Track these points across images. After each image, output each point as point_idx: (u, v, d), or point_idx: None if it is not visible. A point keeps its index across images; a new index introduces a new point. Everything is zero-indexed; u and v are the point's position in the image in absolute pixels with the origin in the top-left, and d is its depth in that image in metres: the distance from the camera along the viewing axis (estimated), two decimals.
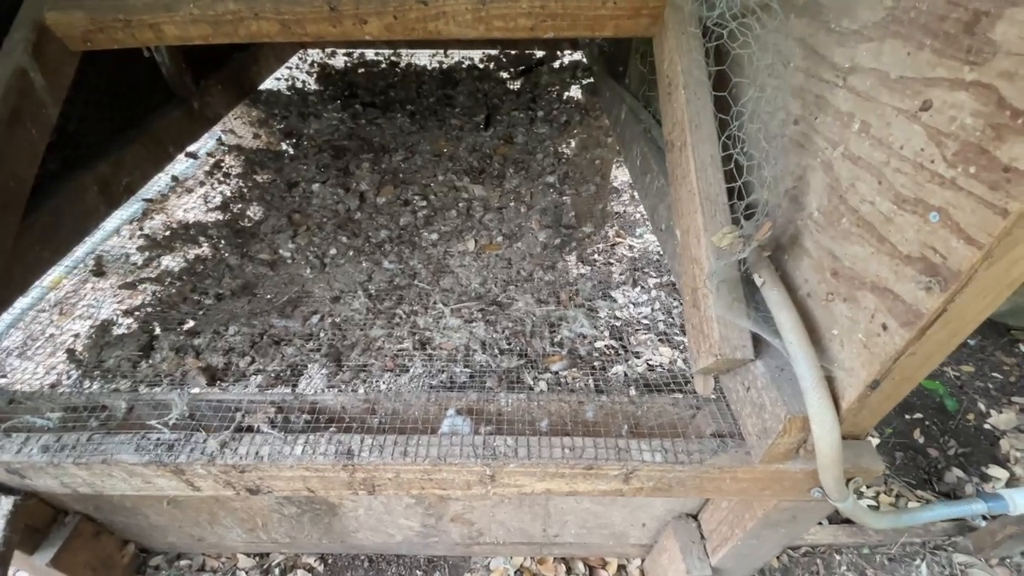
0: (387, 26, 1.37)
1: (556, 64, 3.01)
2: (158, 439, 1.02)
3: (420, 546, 1.76)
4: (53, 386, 1.37)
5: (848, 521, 1.97)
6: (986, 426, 2.36)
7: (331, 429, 1.05)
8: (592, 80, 2.70)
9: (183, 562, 1.86)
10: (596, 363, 1.95)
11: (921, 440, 2.32)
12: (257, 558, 1.85)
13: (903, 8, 0.76)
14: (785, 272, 1.01)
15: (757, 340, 0.99)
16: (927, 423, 2.37)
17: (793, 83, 1.01)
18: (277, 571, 1.82)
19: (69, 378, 1.34)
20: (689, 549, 1.45)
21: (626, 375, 2.12)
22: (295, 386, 1.25)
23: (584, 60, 3.04)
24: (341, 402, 1.11)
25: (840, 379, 0.86)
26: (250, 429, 1.05)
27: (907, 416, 2.39)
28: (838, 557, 1.85)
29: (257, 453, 1.00)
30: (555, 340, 1.38)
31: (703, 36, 1.28)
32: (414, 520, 1.61)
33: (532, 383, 1.34)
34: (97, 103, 1.75)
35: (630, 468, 0.99)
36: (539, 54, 3.14)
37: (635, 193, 3.35)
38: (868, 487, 2.10)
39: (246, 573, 1.83)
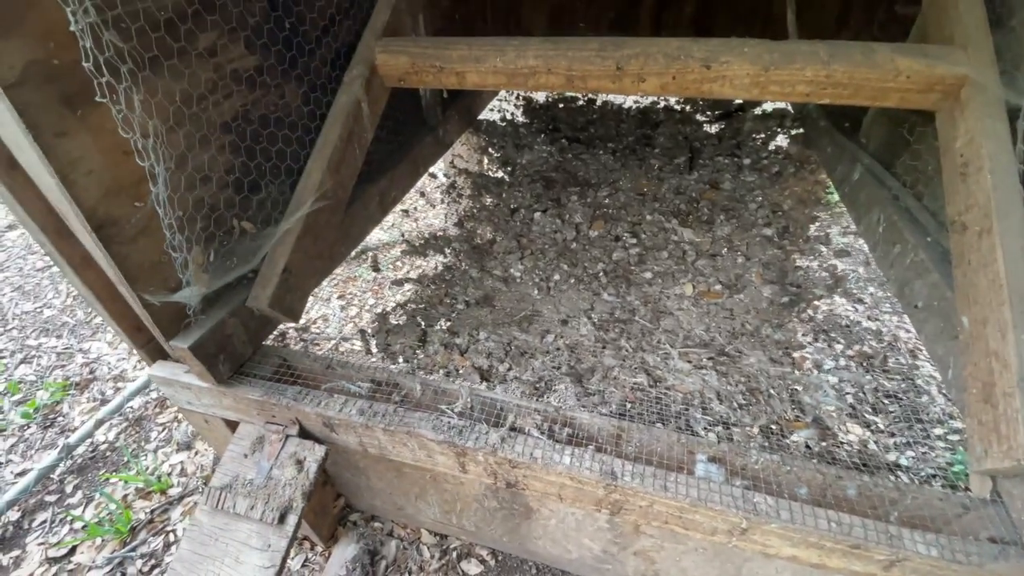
0: (663, 85, 1.49)
1: (759, 111, 2.97)
2: (450, 422, 1.21)
3: (591, 569, 1.83)
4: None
5: None
6: None
7: (591, 447, 1.17)
8: (804, 131, 2.63)
9: (376, 524, 2.13)
10: (774, 427, 1.88)
11: None
12: (439, 537, 2.05)
13: None
14: None
15: None
16: None
17: None
18: (454, 554, 2.01)
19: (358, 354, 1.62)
20: None
21: (808, 446, 2.01)
22: (545, 397, 1.39)
23: (790, 109, 2.96)
24: (596, 424, 1.22)
25: None
26: (520, 431, 1.21)
27: None
28: None
29: (532, 454, 1.15)
30: (796, 404, 1.37)
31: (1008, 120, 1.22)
32: (597, 543, 1.68)
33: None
34: (383, 128, 2.12)
35: (899, 556, 0.97)
36: (738, 100, 3.12)
37: (821, 247, 3.17)
38: None
39: (428, 549, 2.04)
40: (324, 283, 2.78)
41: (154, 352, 1.44)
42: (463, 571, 1.97)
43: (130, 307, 1.27)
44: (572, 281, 1.81)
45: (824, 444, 2.18)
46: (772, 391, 1.36)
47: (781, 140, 2.73)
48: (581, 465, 1.12)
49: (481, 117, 2.96)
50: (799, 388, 1.43)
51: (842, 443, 2.29)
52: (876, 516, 1.02)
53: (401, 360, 1.52)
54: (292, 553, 2.04)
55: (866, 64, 1.32)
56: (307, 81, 1.57)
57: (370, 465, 1.78)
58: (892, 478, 1.06)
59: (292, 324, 1.42)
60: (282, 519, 1.24)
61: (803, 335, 2.65)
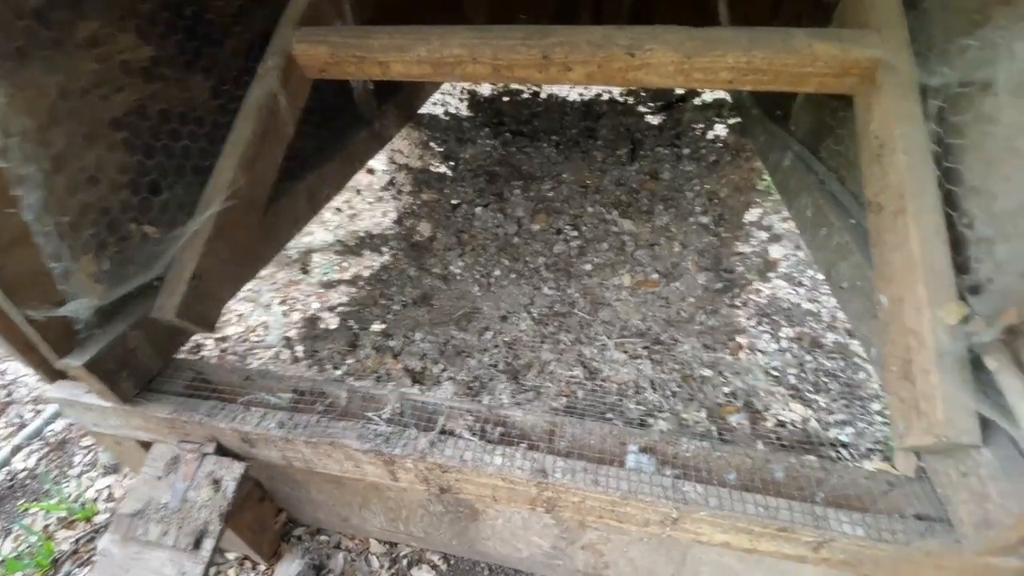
0: (589, 74, 1.47)
1: (698, 101, 3.02)
2: (376, 430, 1.16)
3: (542, 566, 1.80)
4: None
5: None
6: None
7: (523, 445, 1.13)
8: (740, 120, 2.68)
9: (322, 537, 2.04)
10: (707, 413, 1.91)
11: None
12: (388, 546, 1.99)
13: None
14: (1020, 358, 0.96)
15: (982, 424, 0.94)
16: None
17: None
18: (404, 561, 1.95)
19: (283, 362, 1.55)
20: None
21: (753, 428, 2.05)
22: (479, 397, 1.35)
23: (728, 98, 3.02)
24: (529, 421, 1.19)
25: None
26: (451, 433, 1.16)
27: None
28: None
29: (462, 457, 1.10)
30: (727, 390, 1.38)
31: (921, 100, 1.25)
32: (546, 540, 1.66)
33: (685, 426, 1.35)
34: (308, 122, 2.02)
35: (826, 537, 0.98)
36: (680, 90, 3.16)
37: (762, 234, 3.25)
38: None
39: (377, 558, 1.97)
40: (265, 287, 2.65)
41: (53, 371, 1.32)
42: None
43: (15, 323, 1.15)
44: (513, 276, 1.78)
45: (767, 425, 2.23)
46: (705, 377, 1.36)
47: (719, 129, 2.78)
48: (512, 465, 1.09)
49: (423, 111, 2.89)
50: (731, 373, 1.44)
51: (784, 423, 2.35)
52: (803, 498, 1.03)
53: (330, 367, 1.45)
54: (232, 575, 1.93)
55: (785, 50, 1.33)
56: (215, 73, 1.47)
57: (308, 478, 1.69)
58: (818, 458, 1.07)
59: (208, 334, 1.33)
60: (197, 544, 1.15)
61: (747, 319, 2.70)
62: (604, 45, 1.39)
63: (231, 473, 1.22)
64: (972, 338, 0.91)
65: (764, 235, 2.51)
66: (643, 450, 1.13)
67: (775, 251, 3.04)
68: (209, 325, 1.34)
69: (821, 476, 1.08)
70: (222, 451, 1.27)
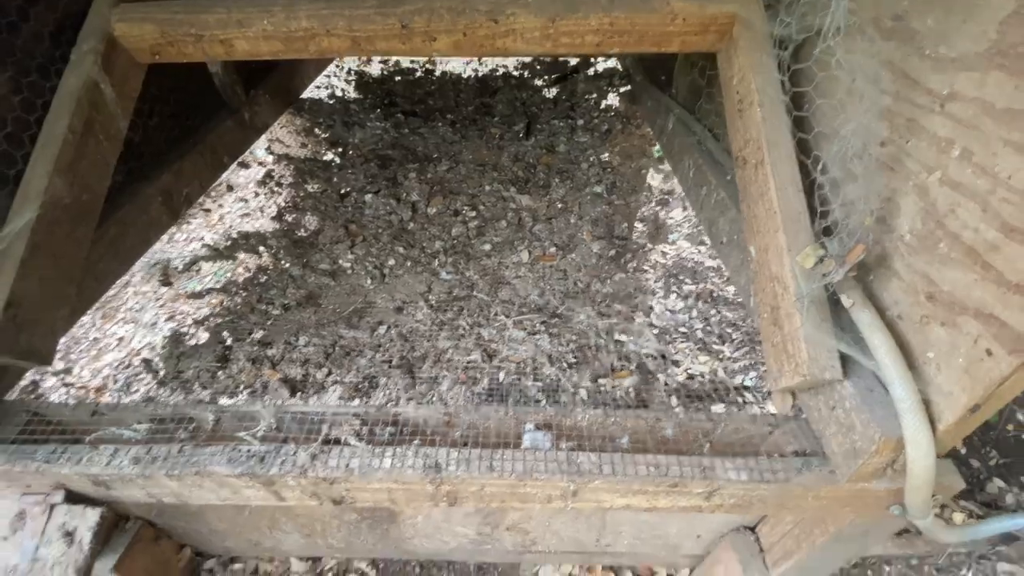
0: (455, 43, 1.39)
1: (591, 71, 3.02)
2: (249, 451, 1.05)
3: (472, 553, 1.78)
4: (142, 399, 1.39)
5: (896, 534, 1.96)
6: None
7: (415, 442, 1.07)
8: (630, 88, 2.71)
9: (236, 566, 1.90)
10: (602, 380, 1.96)
11: (963, 451, 2.31)
12: (310, 562, 1.88)
13: (1010, 43, 0.76)
14: (872, 293, 1.02)
15: (844, 360, 0.99)
16: (969, 435, 2.36)
17: (881, 106, 1.01)
18: (330, 575, 1.85)
19: (145, 388, 1.37)
20: (749, 562, 1.45)
21: (666, 384, 2.13)
22: (369, 397, 1.27)
23: (619, 67, 3.05)
24: (423, 415, 1.13)
25: (937, 403, 0.86)
26: (337, 441, 1.08)
27: None
28: (887, 568, 1.84)
29: (347, 466, 1.02)
30: (621, 355, 1.39)
31: (775, 53, 1.29)
32: (470, 528, 1.63)
33: (588, 394, 1.35)
34: (157, 114, 1.80)
35: (715, 487, 1.01)
36: (573, 61, 3.15)
37: (667, 198, 3.36)
38: None
39: None
40: (131, 292, 2.37)
41: None
42: None
43: None
44: (409, 264, 1.69)
45: (680, 380, 2.32)
46: (600, 345, 1.37)
47: (612, 99, 2.80)
48: (403, 465, 1.02)
49: (306, 95, 2.68)
50: (624, 338, 1.46)
51: (694, 376, 2.46)
52: (691, 451, 1.05)
53: (197, 387, 1.30)
54: None
55: (645, 9, 1.32)
56: (12, 63, 1.24)
57: (202, 508, 1.54)
58: (705, 411, 1.09)
59: (45, 368, 1.14)
60: None
61: (654, 281, 2.79)
62: (464, 11, 1.31)
63: (85, 522, 1.07)
64: (826, 278, 0.95)
65: (655, 199, 2.58)
66: (539, 427, 1.11)
67: (672, 213, 3.15)
68: (42, 358, 1.16)
69: (708, 427, 1.10)
70: (74, 498, 1.10)
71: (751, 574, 1.43)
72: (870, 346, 0.92)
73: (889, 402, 0.89)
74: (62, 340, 2.08)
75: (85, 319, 2.58)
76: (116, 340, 2.39)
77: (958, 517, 2.15)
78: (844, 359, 0.99)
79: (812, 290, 0.98)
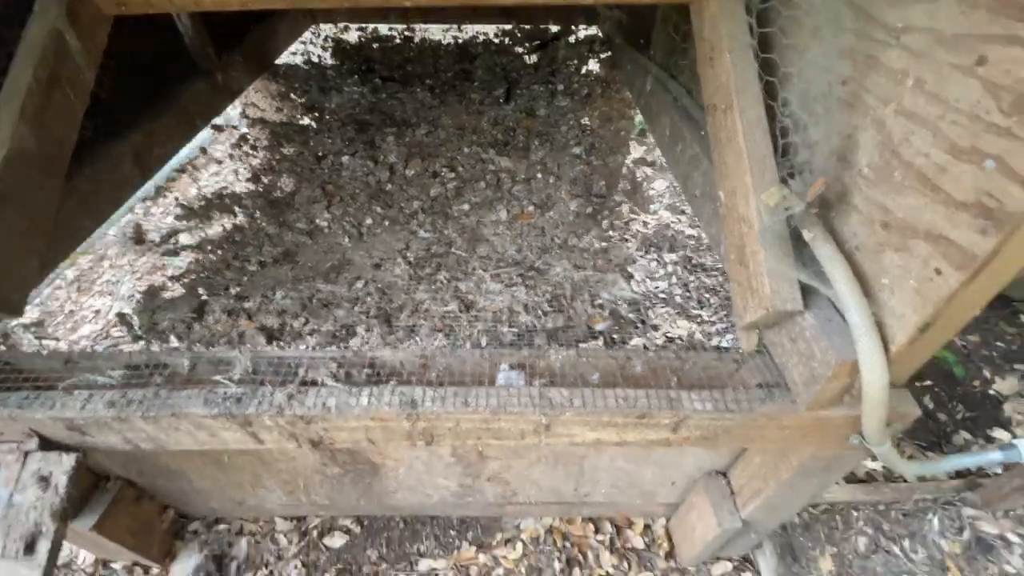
0: None
1: (572, 39, 3.00)
2: (225, 392, 1.06)
3: (454, 506, 1.82)
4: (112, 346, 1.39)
5: (864, 481, 2.04)
6: (991, 392, 2.45)
7: (392, 382, 1.09)
8: (611, 53, 2.70)
9: (221, 526, 1.92)
10: (615, 336, 2.00)
11: (931, 406, 2.40)
12: (295, 521, 1.90)
13: None
14: (833, 228, 1.05)
15: (804, 293, 1.03)
16: (936, 390, 2.45)
17: (842, 44, 1.03)
18: (315, 533, 1.88)
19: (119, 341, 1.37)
20: (720, 504, 1.51)
21: (645, 347, 2.17)
22: (348, 345, 1.28)
23: (600, 34, 3.03)
24: (399, 358, 1.15)
25: (890, 325, 0.90)
26: (314, 383, 1.09)
27: (918, 384, 2.46)
28: (856, 514, 1.93)
29: (324, 404, 1.04)
30: (596, 303, 1.42)
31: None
32: (452, 480, 1.66)
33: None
34: (127, 72, 1.76)
35: (681, 417, 1.04)
36: (554, 28, 3.12)
37: (647, 169, 3.38)
38: None
39: (284, 535, 1.88)
40: (106, 265, 2.33)
41: None
42: (326, 546, 1.85)
43: None
44: (387, 223, 1.69)
45: (659, 343, 2.37)
46: (575, 295, 1.39)
47: (592, 64, 2.79)
48: (380, 402, 1.04)
49: (281, 61, 2.63)
50: (598, 288, 1.49)
51: (673, 338, 2.52)
52: (659, 385, 1.08)
53: (173, 338, 1.31)
54: None
55: None
56: None
57: (183, 465, 1.56)
58: (674, 348, 1.12)
59: (16, 319, 1.13)
60: (30, 548, 1.01)
61: (635, 250, 2.83)
62: None
63: (61, 467, 1.07)
64: (788, 211, 0.98)
65: (631, 159, 2.60)
66: (513, 367, 1.13)
67: (654, 184, 3.18)
68: (13, 309, 1.15)
69: (677, 365, 1.14)
70: (48, 445, 1.11)
71: (721, 515, 1.49)
72: (829, 276, 0.95)
73: (847, 330, 0.93)
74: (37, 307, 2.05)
75: (60, 293, 2.55)
76: (92, 313, 2.37)
77: None
78: (806, 293, 1.03)
79: (775, 225, 1.01)
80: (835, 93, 1.05)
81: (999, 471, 1.96)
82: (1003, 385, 2.48)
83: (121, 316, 1.33)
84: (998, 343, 2.71)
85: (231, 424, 1.06)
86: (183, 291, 1.39)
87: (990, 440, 2.29)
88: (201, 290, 1.41)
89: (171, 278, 1.46)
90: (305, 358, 1.14)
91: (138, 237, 1.87)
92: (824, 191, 1.07)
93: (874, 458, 1.21)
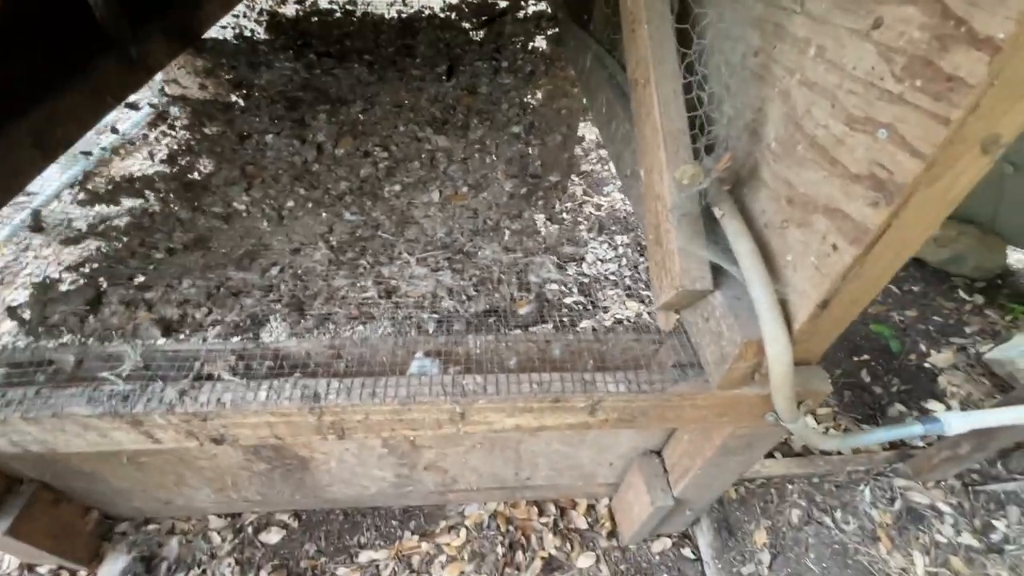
0: None
1: (520, 14, 2.92)
2: (112, 390, 0.98)
3: (395, 496, 1.78)
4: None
5: (800, 455, 2.10)
6: (926, 365, 2.53)
7: (296, 375, 1.04)
8: (557, 30, 2.64)
9: (151, 527, 1.84)
10: (565, 318, 1.98)
11: (867, 379, 2.47)
12: (229, 518, 1.84)
13: None
14: (744, 205, 1.03)
15: (716, 273, 1.01)
16: (873, 363, 2.52)
17: (753, 14, 1.00)
18: (250, 529, 1.82)
19: (13, 338, 1.27)
20: (653, 482, 1.52)
21: (594, 329, 2.16)
22: (256, 336, 1.22)
23: (548, 10, 2.96)
24: (305, 348, 1.09)
25: (793, 302, 0.89)
26: (211, 377, 1.03)
27: (855, 358, 2.53)
28: (790, 487, 1.97)
29: (219, 400, 0.98)
30: (522, 285, 1.38)
31: None
32: (388, 471, 1.62)
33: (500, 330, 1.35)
34: (25, 44, 1.61)
35: (595, 399, 1.02)
36: (502, 4, 3.03)
37: (602, 152, 3.35)
38: (819, 423, 2.24)
39: (218, 533, 1.82)
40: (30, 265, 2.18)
41: None
42: (262, 543, 1.80)
43: None
44: (310, 206, 1.61)
45: (607, 325, 2.37)
46: (502, 278, 1.36)
47: (539, 41, 2.73)
48: (280, 396, 0.99)
49: (208, 36, 2.47)
50: (526, 271, 1.46)
51: (621, 320, 2.52)
52: (575, 369, 1.05)
53: (65, 333, 1.22)
54: None
55: None
56: None
57: (97, 466, 1.47)
58: (593, 332, 1.10)
59: None
60: None
61: (587, 232, 2.81)
62: None
63: None
64: (698, 187, 0.95)
65: (588, 140, 2.56)
66: (429, 354, 1.09)
67: (608, 166, 3.15)
68: None
69: (596, 347, 1.11)
70: None
71: (655, 493, 1.50)
72: (735, 253, 0.93)
73: (753, 308, 0.92)
74: None
75: None
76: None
77: None
78: (717, 272, 1.01)
79: (685, 203, 0.99)
80: (748, 65, 1.02)
81: (920, 443, 2.03)
82: (938, 358, 2.57)
83: (11, 310, 1.23)
84: (935, 317, 2.80)
85: (120, 424, 0.99)
86: (82, 282, 1.29)
87: (924, 412, 2.38)
88: (102, 280, 1.31)
89: (68, 268, 1.36)
90: (203, 351, 1.07)
91: (36, 224, 1.73)
92: (737, 167, 1.05)
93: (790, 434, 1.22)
